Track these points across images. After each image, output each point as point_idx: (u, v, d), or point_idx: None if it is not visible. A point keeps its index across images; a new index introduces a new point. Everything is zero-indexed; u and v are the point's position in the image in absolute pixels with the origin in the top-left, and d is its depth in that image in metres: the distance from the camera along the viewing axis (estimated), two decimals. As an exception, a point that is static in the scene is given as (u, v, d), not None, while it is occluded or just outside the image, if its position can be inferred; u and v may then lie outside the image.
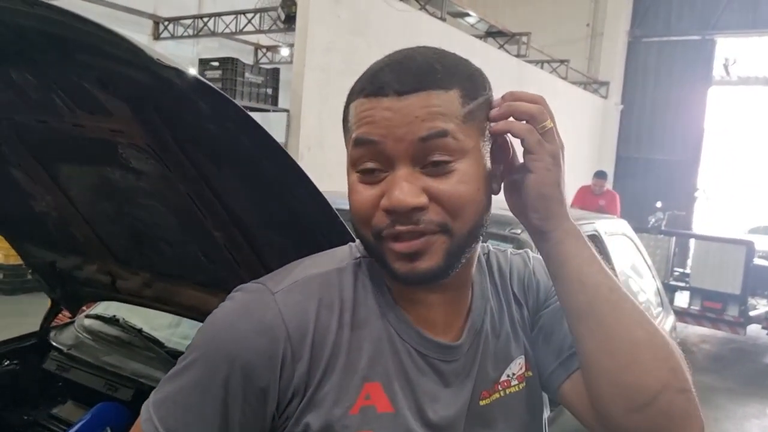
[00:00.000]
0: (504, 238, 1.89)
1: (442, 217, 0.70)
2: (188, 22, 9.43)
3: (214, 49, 9.98)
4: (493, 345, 0.83)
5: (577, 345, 0.76)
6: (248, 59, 10.80)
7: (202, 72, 5.41)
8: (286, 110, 5.45)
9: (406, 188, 0.68)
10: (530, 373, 0.85)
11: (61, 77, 1.06)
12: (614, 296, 0.73)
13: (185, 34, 9.48)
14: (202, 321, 1.63)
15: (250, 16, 8.47)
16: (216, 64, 5.35)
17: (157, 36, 9.68)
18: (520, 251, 0.94)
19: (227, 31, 8.98)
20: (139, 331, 1.78)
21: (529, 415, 0.85)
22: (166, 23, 9.62)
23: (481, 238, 0.78)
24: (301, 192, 0.96)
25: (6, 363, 1.88)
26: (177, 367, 0.75)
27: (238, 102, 5.38)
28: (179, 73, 0.77)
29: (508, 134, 0.76)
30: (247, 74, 5.26)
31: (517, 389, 0.84)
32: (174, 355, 1.68)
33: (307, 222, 1.04)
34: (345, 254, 0.82)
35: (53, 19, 0.84)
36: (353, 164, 0.72)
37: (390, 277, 0.75)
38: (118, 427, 1.49)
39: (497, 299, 0.86)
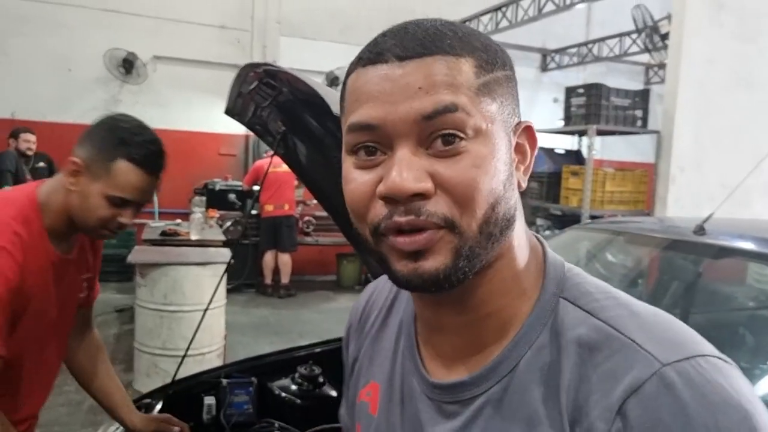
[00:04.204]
0: None
1: (448, 209, 0.58)
2: (574, 50, 9.66)
3: (601, 73, 9.96)
4: (494, 421, 0.63)
5: None
6: (638, 80, 10.46)
7: (568, 98, 5.53)
8: (656, 132, 5.16)
9: (405, 171, 0.57)
10: None
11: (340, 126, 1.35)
12: None
13: (570, 62, 9.71)
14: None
15: (634, 36, 8.24)
16: (581, 90, 5.42)
17: (544, 68, 10.15)
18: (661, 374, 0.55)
19: (611, 54, 8.90)
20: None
21: None
22: (552, 55, 10.02)
23: (505, 239, 0.62)
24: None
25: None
26: None
27: (602, 126, 5.34)
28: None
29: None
30: (612, 98, 5.17)
31: None
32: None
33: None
34: None
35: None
36: (347, 149, 0.63)
37: (393, 283, 0.63)
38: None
39: (545, 384, 0.61)
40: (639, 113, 5.36)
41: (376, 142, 0.60)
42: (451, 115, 0.57)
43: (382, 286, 0.84)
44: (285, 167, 7.19)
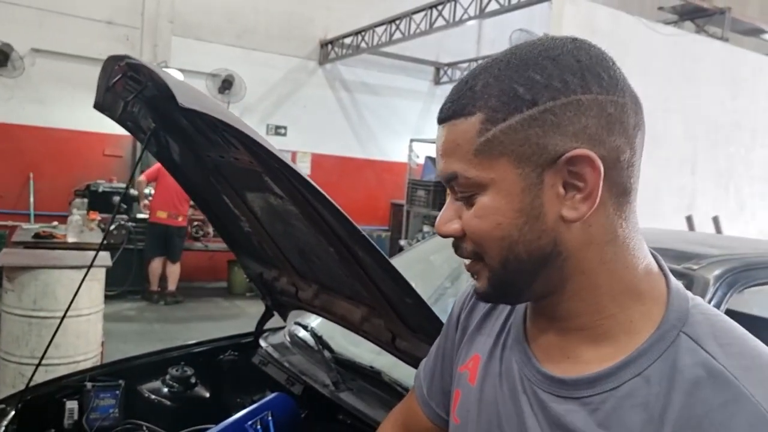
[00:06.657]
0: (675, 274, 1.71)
1: (474, 246, 0.69)
2: (465, 65, 10.04)
3: (491, 89, 10.41)
4: None
5: None
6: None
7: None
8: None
9: (442, 216, 0.71)
10: None
11: (207, 122, 1.36)
12: None
13: (462, 76, 10.09)
14: (349, 329, 1.80)
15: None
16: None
17: (437, 81, 10.48)
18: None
19: (499, 71, 9.33)
20: (320, 338, 2.04)
21: None
22: (445, 68, 10.37)
23: (553, 268, 0.67)
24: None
25: (229, 353, 2.32)
26: None
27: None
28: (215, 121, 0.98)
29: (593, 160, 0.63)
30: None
31: None
32: (337, 360, 1.89)
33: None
34: None
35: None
36: None
37: None
38: (279, 414, 1.75)
39: (648, 414, 0.61)
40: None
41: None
42: (455, 180, 0.67)
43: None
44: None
